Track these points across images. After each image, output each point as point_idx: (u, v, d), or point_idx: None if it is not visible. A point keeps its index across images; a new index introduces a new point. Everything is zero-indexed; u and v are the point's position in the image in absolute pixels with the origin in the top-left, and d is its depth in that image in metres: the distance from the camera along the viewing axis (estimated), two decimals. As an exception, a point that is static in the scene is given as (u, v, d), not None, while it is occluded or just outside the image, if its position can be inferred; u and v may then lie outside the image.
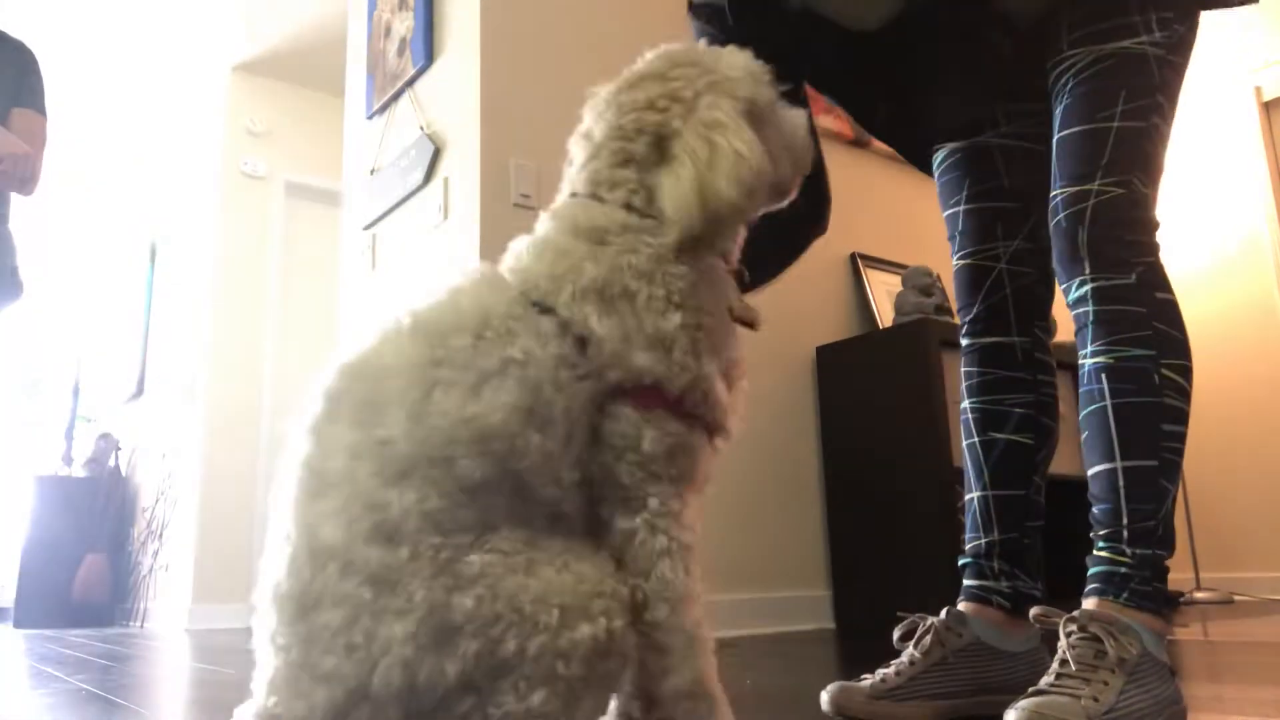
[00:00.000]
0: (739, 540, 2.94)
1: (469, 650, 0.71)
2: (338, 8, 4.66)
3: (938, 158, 1.43)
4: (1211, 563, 4.03)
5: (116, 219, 6.65)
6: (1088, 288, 1.12)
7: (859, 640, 2.46)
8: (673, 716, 0.84)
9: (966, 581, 1.31)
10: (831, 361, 3.23)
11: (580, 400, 0.83)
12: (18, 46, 2.78)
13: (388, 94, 3.17)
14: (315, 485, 0.76)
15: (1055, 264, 1.18)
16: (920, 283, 3.23)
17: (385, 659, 0.70)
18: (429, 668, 0.70)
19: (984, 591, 1.27)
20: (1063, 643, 1.03)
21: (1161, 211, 1.17)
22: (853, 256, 3.53)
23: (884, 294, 3.51)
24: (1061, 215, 1.14)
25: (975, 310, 1.35)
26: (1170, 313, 1.11)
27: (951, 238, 1.40)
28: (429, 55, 2.98)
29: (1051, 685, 1.00)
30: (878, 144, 3.64)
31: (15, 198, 2.75)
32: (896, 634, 1.26)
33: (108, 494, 5.38)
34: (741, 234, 1.03)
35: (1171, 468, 1.08)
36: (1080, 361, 1.15)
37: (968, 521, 1.34)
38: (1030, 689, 1.00)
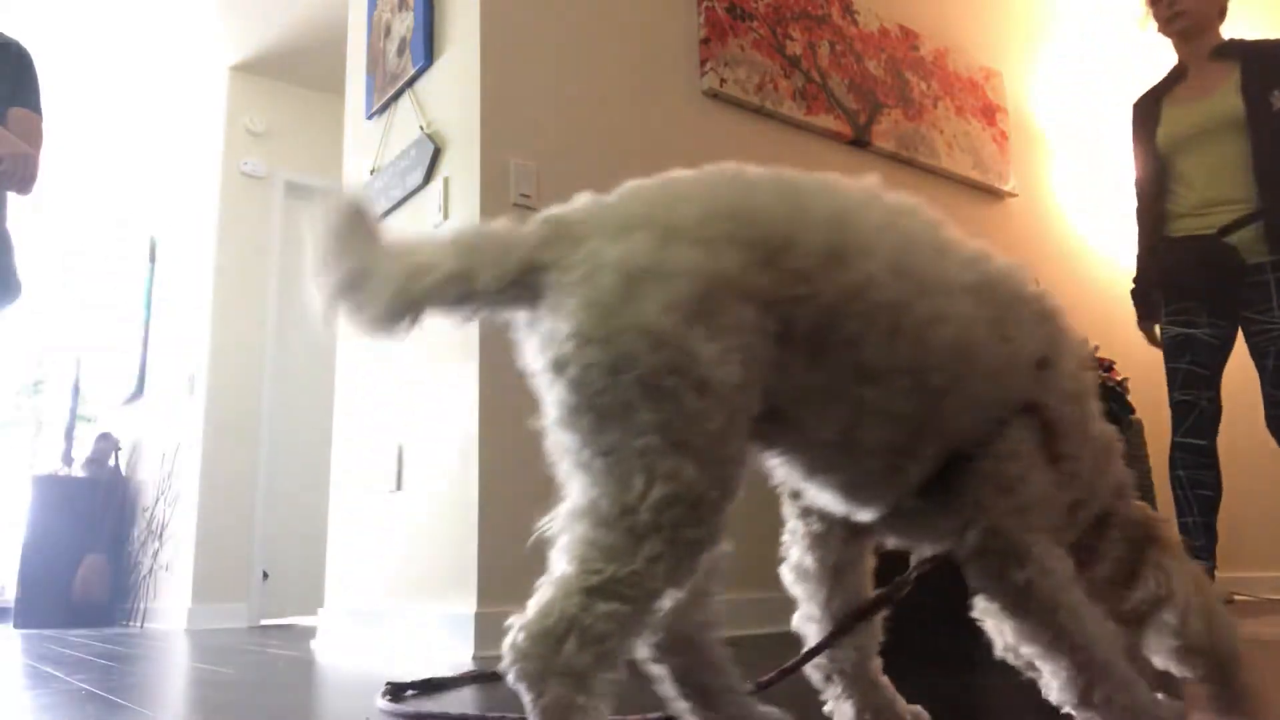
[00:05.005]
0: (739, 540, 2.94)
1: None
2: (338, 8, 4.66)
3: None
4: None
5: (116, 219, 6.65)
6: None
7: (859, 640, 2.46)
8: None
9: None
10: (831, 361, 3.22)
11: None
12: (13, 47, 2.77)
13: (388, 94, 3.17)
14: None
15: None
16: (920, 283, 3.23)
17: None
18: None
19: None
20: None
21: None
22: (853, 256, 3.52)
23: (884, 294, 3.51)
24: None
25: None
26: None
27: None
28: (429, 55, 2.98)
29: None
30: (878, 143, 3.65)
31: (13, 197, 2.75)
32: None
33: (108, 494, 5.38)
34: None
35: None
36: None
37: None
38: None
